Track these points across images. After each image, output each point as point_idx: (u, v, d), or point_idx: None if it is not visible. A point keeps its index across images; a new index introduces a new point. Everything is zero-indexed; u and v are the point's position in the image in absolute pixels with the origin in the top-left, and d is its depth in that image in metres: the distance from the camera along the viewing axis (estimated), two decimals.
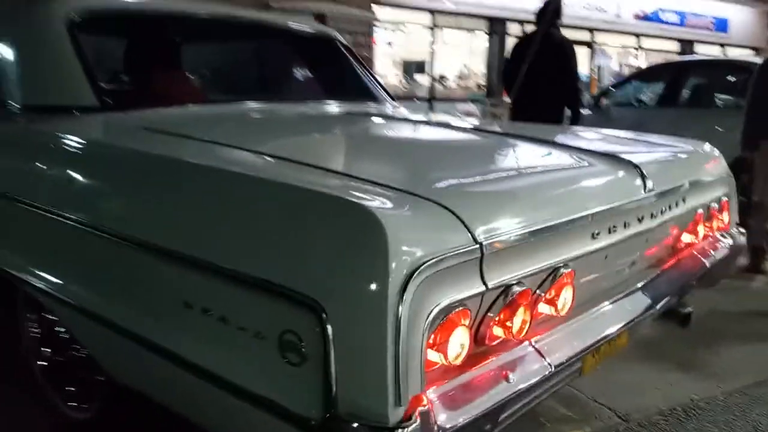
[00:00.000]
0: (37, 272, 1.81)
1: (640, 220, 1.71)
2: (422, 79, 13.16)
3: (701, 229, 2.20)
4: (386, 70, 12.46)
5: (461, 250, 1.17)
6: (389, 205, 1.17)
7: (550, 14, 5.04)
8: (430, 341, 1.15)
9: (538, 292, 1.39)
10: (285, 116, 2.42)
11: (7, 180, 1.98)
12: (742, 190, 4.02)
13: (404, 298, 1.06)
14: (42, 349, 2.18)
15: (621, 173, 1.72)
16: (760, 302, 3.78)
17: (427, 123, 2.53)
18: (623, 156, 1.82)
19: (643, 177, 1.74)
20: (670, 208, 1.87)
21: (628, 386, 2.62)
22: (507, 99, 8.09)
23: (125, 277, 1.53)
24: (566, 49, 5.03)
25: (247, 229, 1.28)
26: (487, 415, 1.25)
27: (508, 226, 1.29)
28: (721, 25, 17.09)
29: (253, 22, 2.84)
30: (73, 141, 1.85)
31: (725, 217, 2.39)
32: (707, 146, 2.42)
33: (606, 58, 14.75)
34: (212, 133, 1.84)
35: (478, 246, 1.20)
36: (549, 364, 1.41)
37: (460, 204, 1.24)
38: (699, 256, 2.20)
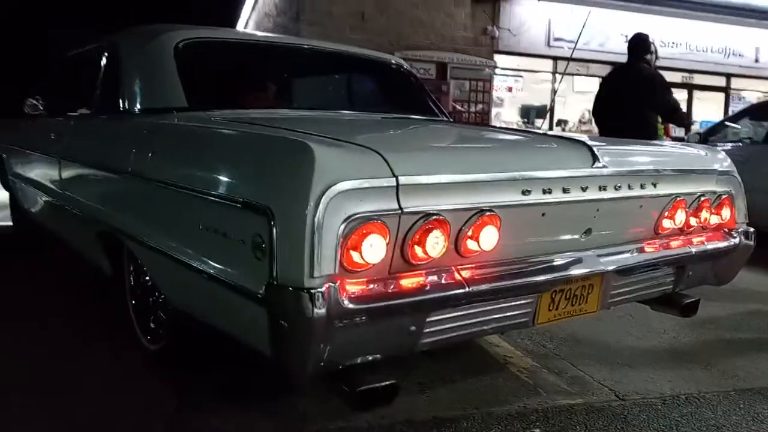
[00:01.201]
0: (124, 222, 2.50)
1: (583, 189, 1.99)
2: (541, 124, 13.32)
3: (686, 219, 2.38)
4: (507, 115, 12.83)
5: (379, 178, 1.59)
6: (325, 143, 1.63)
7: (632, 48, 5.22)
8: (345, 242, 1.55)
9: (460, 226, 1.74)
10: (333, 117, 2.96)
11: (128, 161, 2.64)
12: None
13: (321, 203, 1.50)
14: (134, 293, 2.82)
15: (570, 147, 2.04)
16: None
17: (466, 124, 2.96)
18: (580, 140, 2.13)
19: (593, 154, 2.04)
20: (627, 188, 2.12)
21: (636, 371, 2.78)
22: None
23: (172, 214, 2.12)
24: (652, 83, 5.12)
25: (235, 167, 1.84)
26: (397, 311, 1.63)
27: (425, 170, 1.68)
28: None
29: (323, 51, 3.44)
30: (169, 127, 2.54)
31: (726, 213, 2.54)
32: (715, 153, 2.59)
33: (743, 105, 14.01)
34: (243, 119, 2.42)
35: (394, 178, 1.61)
36: (466, 284, 1.74)
37: (385, 148, 1.65)
38: (682, 242, 2.38)
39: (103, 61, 3.33)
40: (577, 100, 13.64)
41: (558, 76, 12.46)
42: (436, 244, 1.69)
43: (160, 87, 2.81)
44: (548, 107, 12.67)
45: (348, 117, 3.02)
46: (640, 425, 2.32)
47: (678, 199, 2.33)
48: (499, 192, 1.82)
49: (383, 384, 1.66)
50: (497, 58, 12.09)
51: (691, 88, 13.63)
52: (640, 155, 2.31)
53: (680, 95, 11.19)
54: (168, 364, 2.62)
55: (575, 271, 2.01)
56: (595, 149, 2.06)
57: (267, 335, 1.58)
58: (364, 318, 1.57)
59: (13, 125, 4.77)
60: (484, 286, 1.78)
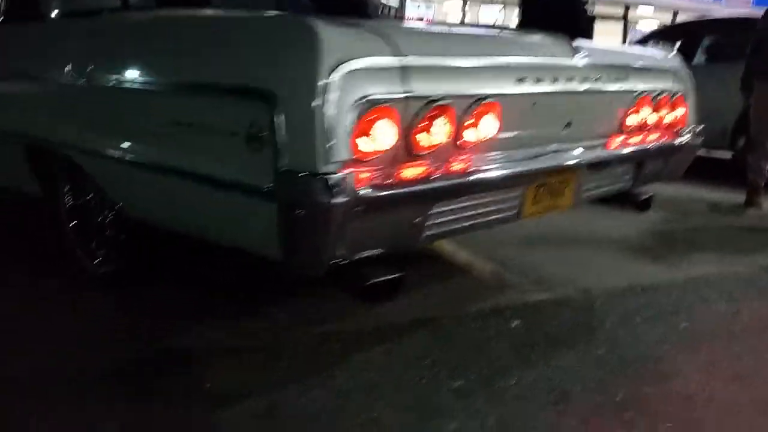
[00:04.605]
0: (66, 132, 2.24)
1: (568, 80, 1.99)
2: None
3: (648, 116, 2.45)
4: None
5: (387, 57, 1.49)
6: (326, 23, 1.49)
7: None
8: (356, 128, 1.46)
9: (462, 114, 1.69)
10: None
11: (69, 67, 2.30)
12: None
13: (331, 83, 1.40)
14: (73, 214, 2.57)
15: (553, 39, 2.02)
16: (742, 221, 4.03)
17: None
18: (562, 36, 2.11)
19: (572, 47, 2.03)
20: (603, 81, 2.14)
21: (596, 269, 2.91)
22: None
23: (130, 115, 1.92)
24: None
25: (225, 49, 1.65)
26: (406, 200, 1.57)
27: (431, 52, 1.61)
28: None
29: None
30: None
31: (680, 112, 2.63)
32: (668, 53, 2.66)
33: (640, 34, 14.67)
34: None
35: (402, 57, 1.52)
36: (475, 177, 1.71)
37: (390, 32, 1.56)
38: (642, 138, 2.46)
39: None
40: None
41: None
42: (441, 131, 1.63)
43: None
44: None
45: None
46: (603, 314, 2.42)
47: (642, 95, 2.38)
48: (499, 80, 1.79)
49: (391, 277, 1.61)
50: None
51: None
52: (612, 50, 2.34)
53: None
54: (122, 285, 2.45)
55: (559, 163, 2.03)
56: (573, 43, 2.06)
57: (275, 231, 1.46)
58: (376, 207, 1.50)
59: None
60: (483, 176, 1.75)
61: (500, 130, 1.80)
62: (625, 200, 2.70)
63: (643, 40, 7.58)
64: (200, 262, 2.54)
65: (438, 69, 1.62)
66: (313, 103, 1.40)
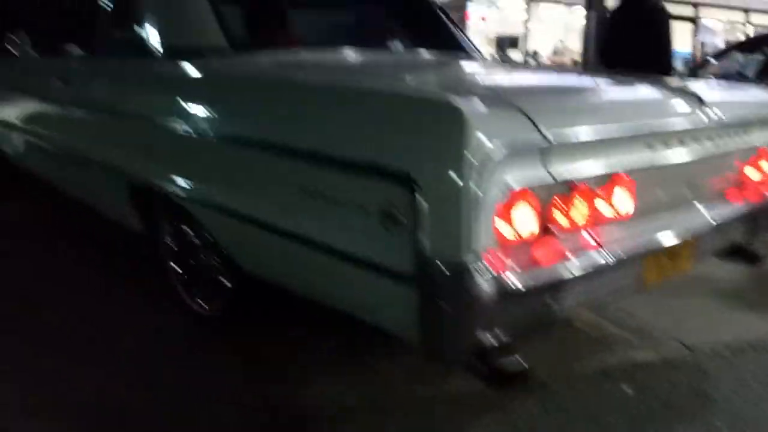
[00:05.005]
0: (182, 182, 2.25)
1: (695, 141, 1.89)
2: (515, 55, 13.17)
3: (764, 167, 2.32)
4: (479, 45, 12.56)
5: (530, 145, 1.44)
6: (471, 103, 1.44)
7: None
8: (499, 213, 1.42)
9: (598, 191, 1.62)
10: (382, 57, 2.74)
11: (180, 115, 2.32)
12: None
13: (480, 177, 1.35)
14: (176, 252, 2.61)
15: (682, 100, 1.92)
16: None
17: (512, 63, 2.77)
18: (687, 88, 2.01)
19: (700, 104, 1.93)
20: (731, 137, 2.03)
21: (697, 322, 2.78)
22: None
23: (256, 175, 1.90)
24: (660, 17, 5.01)
25: (359, 127, 1.61)
26: (547, 286, 1.52)
27: (572, 130, 1.54)
28: None
29: None
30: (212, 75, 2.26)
31: None
32: None
33: (711, 35, 14.13)
34: (319, 66, 2.19)
35: (544, 143, 1.46)
36: (608, 257, 1.65)
37: (531, 107, 1.50)
38: (760, 192, 2.33)
39: None
40: (547, 30, 13.48)
41: (532, 7, 12.23)
42: (578, 211, 1.57)
43: (194, 24, 2.52)
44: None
45: (403, 57, 2.79)
46: (716, 378, 2.31)
47: (762, 147, 2.27)
48: (632, 150, 1.72)
49: (524, 368, 1.56)
50: None
51: None
52: (735, 102, 2.22)
53: None
54: (229, 330, 2.47)
55: (685, 229, 1.94)
56: (700, 95, 1.95)
57: (413, 317, 1.44)
58: (517, 294, 1.45)
59: None
60: (619, 251, 1.68)
61: (631, 202, 1.73)
62: (735, 252, 2.57)
63: (723, 53, 7.29)
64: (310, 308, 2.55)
65: (576, 147, 1.56)
66: (456, 190, 1.36)
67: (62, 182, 3.47)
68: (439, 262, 1.38)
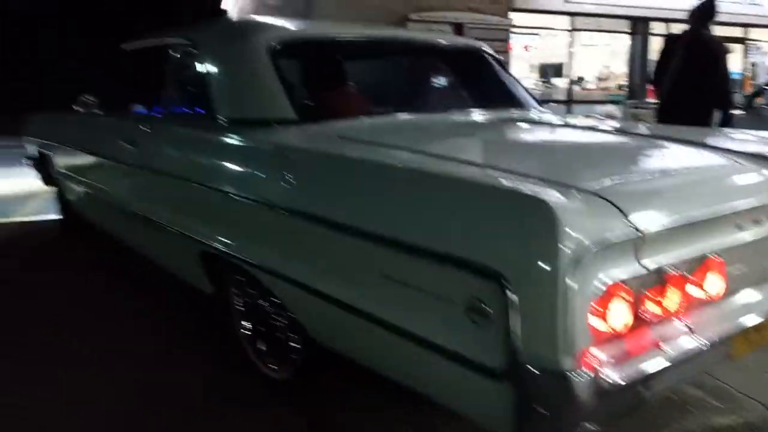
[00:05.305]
0: (253, 251, 2.29)
1: None
2: (559, 82, 13.08)
3: None
4: (523, 74, 12.53)
5: (621, 237, 1.41)
6: (562, 198, 1.43)
7: (701, 14, 4.99)
8: (594, 310, 1.40)
9: (688, 276, 1.59)
10: (450, 124, 2.74)
11: (230, 180, 2.43)
12: None
13: (574, 273, 1.33)
14: (244, 315, 2.65)
15: (760, 165, 1.87)
16: None
17: (577, 127, 2.74)
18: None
19: None
20: None
21: None
22: (651, 100, 8.00)
23: (338, 257, 1.92)
24: (715, 51, 4.94)
25: (444, 218, 1.60)
26: (642, 378, 1.48)
27: (662, 218, 1.51)
28: None
29: (411, 41, 3.20)
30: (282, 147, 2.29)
31: None
32: None
33: (761, 56, 13.81)
34: (393, 140, 2.19)
35: (636, 234, 1.44)
36: (700, 340, 1.60)
37: (620, 196, 1.48)
38: None
39: (179, 60, 3.09)
40: (591, 56, 13.36)
41: (574, 34, 12.16)
42: (670, 299, 1.54)
43: (262, 95, 2.58)
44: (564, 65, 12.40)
45: (471, 120, 2.78)
46: None
47: None
48: (720, 231, 1.67)
49: None
50: (512, 15, 11.73)
51: None
52: None
53: None
54: (300, 393, 2.48)
55: None
56: None
57: (505, 415, 1.42)
58: (613, 390, 1.42)
59: (58, 121, 4.50)
60: (710, 333, 1.64)
61: (722, 282, 1.68)
62: None
63: None
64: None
65: (666, 234, 1.52)
66: (549, 288, 1.34)
67: (131, 240, 3.57)
68: (533, 362, 1.37)
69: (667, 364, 1.53)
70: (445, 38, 3.33)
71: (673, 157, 2.09)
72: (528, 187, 1.47)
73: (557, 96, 12.67)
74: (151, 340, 3.05)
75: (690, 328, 1.60)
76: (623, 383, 1.43)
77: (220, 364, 2.76)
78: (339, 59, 2.98)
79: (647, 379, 1.51)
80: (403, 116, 2.76)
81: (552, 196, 1.41)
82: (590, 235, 1.37)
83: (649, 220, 1.48)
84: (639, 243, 1.45)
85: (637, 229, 1.44)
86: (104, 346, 2.98)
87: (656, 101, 5.41)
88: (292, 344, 2.40)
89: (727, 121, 5.06)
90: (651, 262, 1.49)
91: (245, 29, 2.80)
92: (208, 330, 3.06)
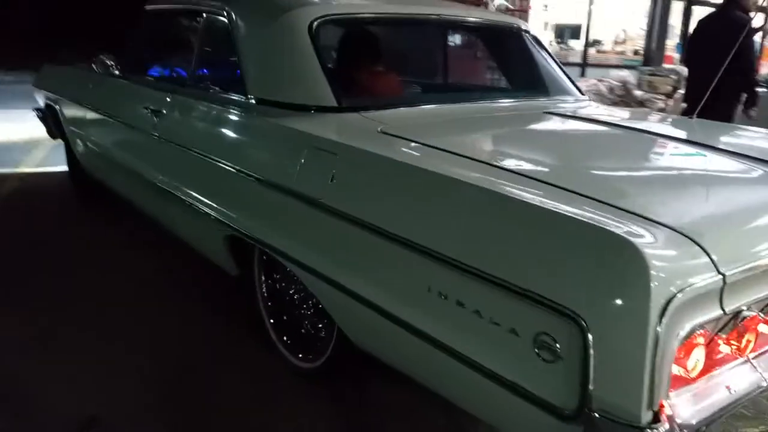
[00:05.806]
0: (285, 241, 2.21)
1: None
2: (576, 44, 12.75)
3: None
4: (540, 34, 12.18)
5: (707, 281, 1.34)
6: (649, 237, 1.35)
7: None
8: (675, 359, 1.34)
9: (762, 315, 1.53)
10: (495, 119, 2.61)
11: (281, 173, 2.23)
12: None
13: (661, 320, 1.26)
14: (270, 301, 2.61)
15: None
16: None
17: (628, 128, 2.55)
18: None
19: None
20: None
21: None
22: (668, 66, 7.91)
23: (386, 268, 1.84)
24: (736, 27, 4.82)
25: (513, 246, 1.51)
26: (711, 420, 1.44)
27: (745, 257, 1.44)
28: None
29: (456, 20, 3.04)
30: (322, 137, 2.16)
31: None
32: None
33: None
34: (442, 141, 2.06)
35: (720, 277, 1.36)
36: (765, 379, 1.55)
37: (704, 236, 1.40)
38: None
39: (209, 28, 2.93)
40: (609, 18, 13.00)
41: None
42: (746, 339, 1.48)
43: (301, 78, 2.44)
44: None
45: (530, 125, 2.64)
46: None
47: None
48: None
49: None
50: None
51: None
52: None
53: None
54: (328, 383, 2.45)
55: None
56: None
57: None
58: None
59: (71, 76, 4.34)
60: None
61: None
62: None
63: None
64: None
65: (750, 275, 1.45)
66: (633, 334, 1.27)
67: (145, 206, 3.47)
68: (607, 409, 1.31)
69: (736, 402, 1.49)
70: (484, 15, 3.15)
71: (742, 178, 1.99)
72: (611, 223, 1.39)
73: (573, 59, 12.37)
74: (180, 321, 3.01)
75: (758, 370, 1.55)
76: (696, 426, 1.39)
77: (245, 347, 2.73)
78: (379, 40, 2.83)
79: (718, 417, 1.47)
80: (446, 107, 2.64)
81: (638, 235, 1.33)
82: (678, 279, 1.29)
83: (732, 260, 1.41)
84: (722, 285, 1.38)
85: (720, 273, 1.37)
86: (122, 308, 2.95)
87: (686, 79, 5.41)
88: (321, 335, 2.36)
89: (754, 102, 5.00)
90: (729, 304, 1.42)
91: (278, 3, 2.64)
92: (236, 312, 3.02)
